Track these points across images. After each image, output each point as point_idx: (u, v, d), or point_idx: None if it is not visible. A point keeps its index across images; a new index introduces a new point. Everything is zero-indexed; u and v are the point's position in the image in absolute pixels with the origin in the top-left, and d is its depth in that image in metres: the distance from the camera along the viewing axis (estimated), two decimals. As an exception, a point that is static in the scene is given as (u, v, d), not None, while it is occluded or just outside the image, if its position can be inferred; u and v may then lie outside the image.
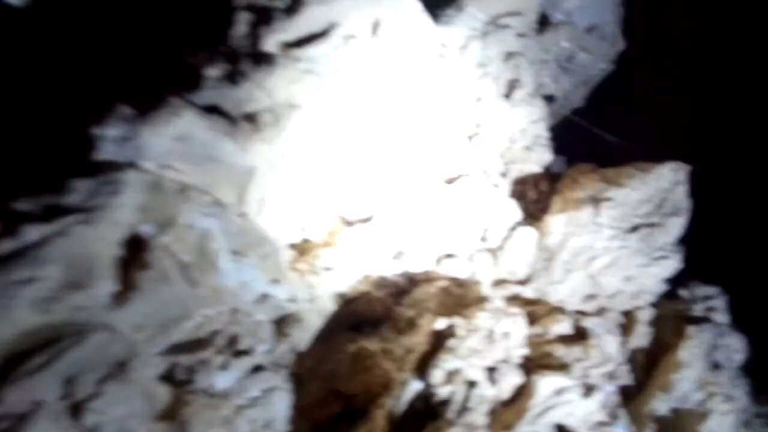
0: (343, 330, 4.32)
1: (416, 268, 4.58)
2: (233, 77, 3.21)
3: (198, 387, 3.47)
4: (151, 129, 2.87)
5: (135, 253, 2.99)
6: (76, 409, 2.82)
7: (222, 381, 3.64)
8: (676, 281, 4.90)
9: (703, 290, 4.68)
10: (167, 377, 3.28)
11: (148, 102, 2.88)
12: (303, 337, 4.15)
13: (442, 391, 3.52)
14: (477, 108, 4.84)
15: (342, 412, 4.09)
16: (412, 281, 4.59)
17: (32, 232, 2.53)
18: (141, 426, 3.09)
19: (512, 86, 4.87)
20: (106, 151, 2.78)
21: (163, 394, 3.21)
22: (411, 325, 4.26)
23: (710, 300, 4.54)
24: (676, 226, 4.49)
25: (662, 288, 4.61)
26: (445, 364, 3.57)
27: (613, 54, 6.68)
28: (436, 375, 3.55)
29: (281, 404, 3.87)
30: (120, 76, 3.02)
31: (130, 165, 2.88)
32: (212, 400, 3.52)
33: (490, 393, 3.60)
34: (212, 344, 3.55)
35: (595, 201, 4.39)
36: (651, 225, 4.41)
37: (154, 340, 3.14)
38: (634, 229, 4.39)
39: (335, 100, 3.93)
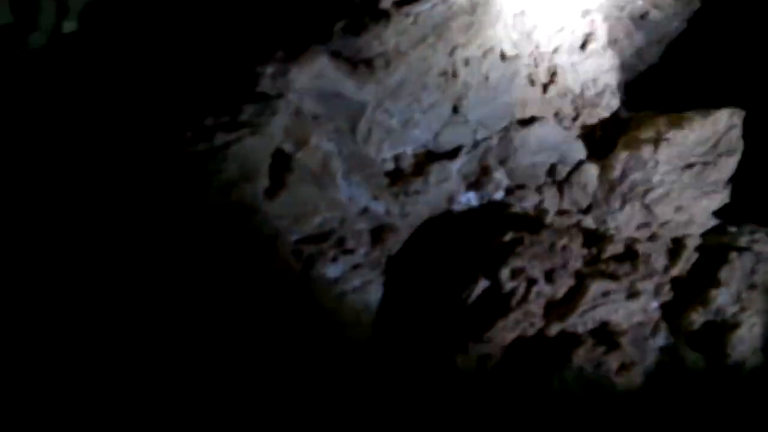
0: (428, 241, 5.24)
1: (492, 196, 5.40)
2: (356, 29, 4.12)
3: (316, 272, 4.53)
4: (297, 68, 3.84)
5: (281, 162, 4.03)
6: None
7: (332, 271, 4.68)
8: (726, 220, 5.47)
9: (750, 227, 5.22)
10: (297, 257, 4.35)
11: (295, 49, 3.85)
12: (395, 244, 5.10)
13: (507, 286, 4.39)
14: (554, 58, 5.51)
15: (425, 306, 5.05)
16: (488, 207, 5.42)
17: (219, 138, 3.59)
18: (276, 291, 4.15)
19: (586, 39, 5.48)
20: (266, 85, 3.79)
21: (296, 267, 4.27)
22: (485, 241, 5.11)
23: (755, 233, 5.08)
24: (729, 165, 5.05)
25: (711, 221, 5.22)
26: (511, 263, 4.42)
27: (688, 13, 7.03)
28: (504, 272, 4.42)
29: (375, 294, 4.89)
30: (277, 30, 4.01)
31: (281, 95, 3.89)
32: (326, 282, 4.55)
33: (547, 290, 4.44)
34: (328, 240, 4.57)
35: (656, 141, 5.01)
36: (705, 163, 4.99)
37: (292, 227, 4.20)
38: (689, 166, 4.99)
39: (434, 48, 4.75)
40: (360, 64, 4.32)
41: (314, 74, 3.99)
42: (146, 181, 3.41)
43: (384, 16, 4.21)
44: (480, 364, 4.33)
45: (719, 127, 5.03)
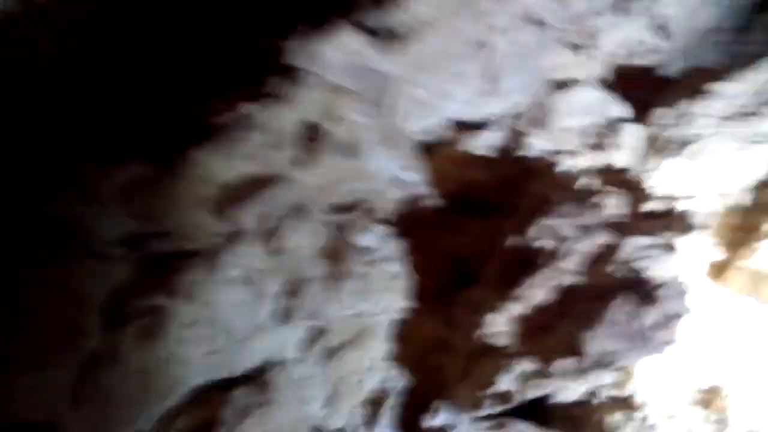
0: (462, 211, 5.32)
1: (531, 161, 5.40)
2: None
3: (346, 240, 4.69)
4: (320, 40, 4.05)
5: (309, 132, 4.26)
6: (265, 236, 4.15)
7: (364, 240, 4.82)
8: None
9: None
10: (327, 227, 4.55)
11: (317, 21, 4.07)
12: (427, 212, 5.19)
13: (536, 244, 4.41)
14: (590, 20, 5.42)
15: (458, 276, 5.13)
16: (527, 173, 5.41)
17: (243, 108, 3.86)
18: (307, 255, 4.34)
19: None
20: (288, 57, 4.03)
21: (324, 237, 4.47)
22: (515, 203, 5.11)
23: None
24: (773, 115, 4.81)
25: (757, 173, 4.97)
26: (541, 221, 4.44)
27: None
28: (532, 230, 4.44)
29: (407, 262, 5.01)
30: (296, 3, 4.25)
31: (305, 67, 4.12)
32: (357, 250, 4.71)
33: (578, 247, 4.41)
34: (358, 210, 4.72)
35: (692, 95, 4.86)
36: (746, 114, 4.78)
37: (320, 197, 4.41)
38: (729, 118, 4.80)
39: (462, 17, 4.81)
40: (385, 35, 4.47)
41: (337, 46, 4.18)
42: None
43: (408, -16, 4.34)
44: (510, 323, 4.38)
45: (760, 76, 4.80)
